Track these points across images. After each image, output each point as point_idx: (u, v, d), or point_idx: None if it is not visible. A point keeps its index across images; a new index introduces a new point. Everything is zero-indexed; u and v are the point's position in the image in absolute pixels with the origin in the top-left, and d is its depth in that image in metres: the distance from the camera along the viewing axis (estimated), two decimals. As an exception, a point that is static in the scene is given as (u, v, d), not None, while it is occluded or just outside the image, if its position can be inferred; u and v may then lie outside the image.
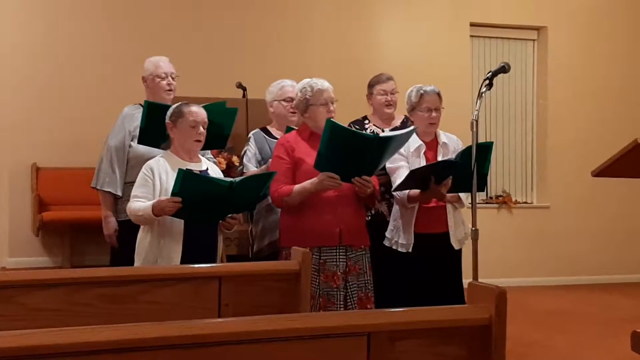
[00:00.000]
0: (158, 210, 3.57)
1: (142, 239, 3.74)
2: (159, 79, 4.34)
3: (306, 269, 3.16)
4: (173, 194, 3.55)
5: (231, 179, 3.66)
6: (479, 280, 3.35)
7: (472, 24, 7.82)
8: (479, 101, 3.73)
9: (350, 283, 3.91)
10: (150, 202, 3.61)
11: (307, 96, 3.97)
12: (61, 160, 6.58)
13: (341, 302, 3.86)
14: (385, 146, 3.79)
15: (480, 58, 7.96)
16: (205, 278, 3.10)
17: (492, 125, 8.03)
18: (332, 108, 3.97)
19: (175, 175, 3.63)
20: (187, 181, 3.51)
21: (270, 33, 7.19)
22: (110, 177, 4.27)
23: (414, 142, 4.20)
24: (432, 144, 4.24)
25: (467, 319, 2.15)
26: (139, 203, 3.66)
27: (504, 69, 3.79)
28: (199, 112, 3.77)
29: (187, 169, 3.60)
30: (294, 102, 4.15)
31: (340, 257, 3.90)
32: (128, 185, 4.22)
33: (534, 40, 8.15)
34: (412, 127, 4.06)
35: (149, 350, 1.91)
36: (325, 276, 3.86)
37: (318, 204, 3.87)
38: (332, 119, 3.74)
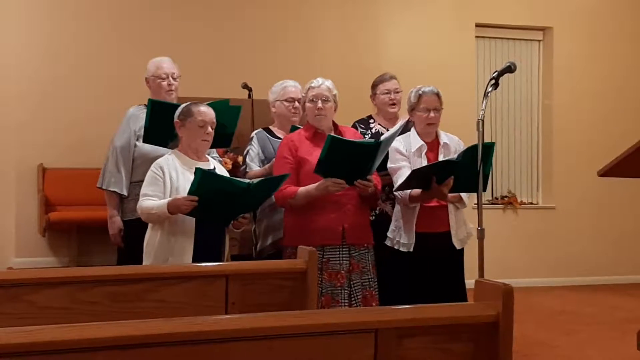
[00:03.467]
0: (173, 208, 3.57)
1: (152, 237, 3.74)
2: (159, 80, 4.36)
3: (313, 268, 3.17)
4: (190, 192, 3.55)
5: (249, 181, 3.66)
6: (485, 279, 3.35)
7: (478, 25, 7.82)
8: (484, 101, 3.72)
9: (354, 281, 3.93)
10: (165, 200, 3.61)
11: (304, 93, 4.12)
12: (67, 161, 6.60)
13: (345, 300, 3.87)
14: (384, 148, 3.85)
15: (486, 59, 7.96)
16: (212, 277, 3.11)
17: (498, 126, 8.03)
18: (320, 105, 4.00)
19: (184, 173, 3.65)
20: (205, 180, 3.52)
21: (275, 33, 7.20)
22: (115, 177, 4.29)
23: (416, 142, 4.21)
24: (433, 145, 4.25)
25: (475, 316, 2.15)
26: (151, 201, 3.66)
27: (510, 69, 3.78)
28: (207, 112, 3.79)
29: (204, 169, 3.62)
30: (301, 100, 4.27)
31: (344, 255, 3.92)
32: (133, 184, 4.25)
33: (539, 40, 8.14)
34: (397, 127, 4.09)
35: (157, 346, 1.92)
36: (329, 275, 3.88)
37: (321, 203, 3.90)
38: (333, 135, 3.79)
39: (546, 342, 5.29)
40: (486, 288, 2.20)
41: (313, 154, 3.90)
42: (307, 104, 4.06)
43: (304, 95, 4.12)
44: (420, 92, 4.23)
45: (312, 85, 4.06)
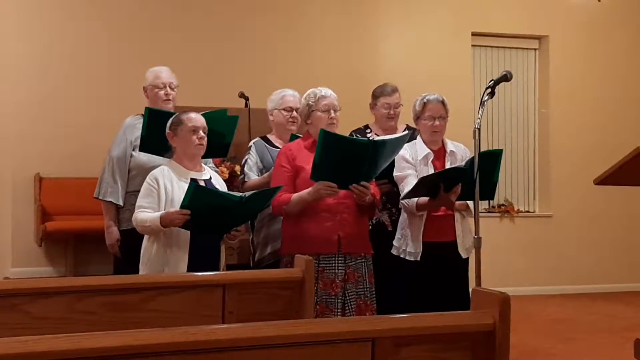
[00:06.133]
0: (166, 221, 3.59)
1: (148, 248, 3.74)
2: (157, 89, 4.37)
3: (310, 277, 3.17)
4: (182, 206, 3.56)
5: (241, 194, 3.66)
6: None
7: (474, 34, 7.84)
8: (481, 110, 3.73)
9: (349, 291, 3.91)
10: (158, 214, 3.62)
11: (310, 102, 4.02)
12: (64, 170, 6.59)
13: (339, 310, 3.86)
14: (381, 151, 3.79)
15: (482, 67, 7.98)
16: (209, 286, 3.10)
17: (494, 134, 8.04)
18: (333, 115, 3.98)
19: (180, 184, 3.67)
20: (197, 195, 3.52)
21: (273, 43, 7.21)
22: (112, 187, 4.30)
23: (422, 150, 4.20)
24: (440, 153, 4.24)
25: (471, 325, 2.15)
26: (146, 214, 3.67)
27: (505, 78, 3.79)
28: (197, 118, 3.81)
29: (197, 183, 3.62)
30: (300, 109, 4.21)
31: (339, 264, 3.90)
32: (130, 194, 4.25)
33: (535, 49, 8.17)
34: (405, 132, 4.08)
35: (154, 356, 1.91)
36: (324, 283, 3.86)
37: (317, 211, 3.89)
38: (325, 129, 3.76)
39: (544, 350, 5.29)
40: (483, 296, 2.20)
41: (310, 163, 3.88)
42: (319, 113, 3.97)
43: (311, 104, 4.02)
44: (425, 100, 4.22)
45: (323, 94, 4.01)
